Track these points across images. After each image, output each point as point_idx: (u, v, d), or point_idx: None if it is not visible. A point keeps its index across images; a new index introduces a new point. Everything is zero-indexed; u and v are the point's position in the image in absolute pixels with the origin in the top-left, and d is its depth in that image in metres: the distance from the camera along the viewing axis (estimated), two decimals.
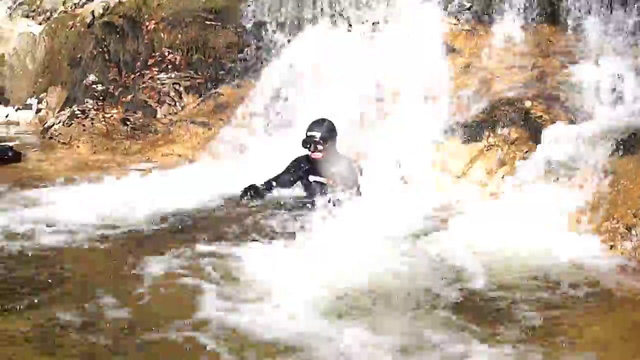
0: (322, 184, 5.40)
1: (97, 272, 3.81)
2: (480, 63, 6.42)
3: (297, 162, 5.65)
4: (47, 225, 4.59)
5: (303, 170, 5.59)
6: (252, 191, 5.46)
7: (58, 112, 9.91)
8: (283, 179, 5.64)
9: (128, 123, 8.59)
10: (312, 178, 5.51)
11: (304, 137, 5.45)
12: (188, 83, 8.92)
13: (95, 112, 8.80)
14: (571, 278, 3.71)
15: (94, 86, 9.30)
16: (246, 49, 8.82)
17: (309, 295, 3.29)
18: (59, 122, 8.96)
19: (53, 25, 11.55)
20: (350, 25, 7.30)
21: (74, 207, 4.99)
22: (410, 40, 6.49)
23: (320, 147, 5.39)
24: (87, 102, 9.02)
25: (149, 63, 9.38)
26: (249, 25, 9.06)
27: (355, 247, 3.88)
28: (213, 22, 9.37)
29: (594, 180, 4.52)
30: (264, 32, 8.65)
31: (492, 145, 5.46)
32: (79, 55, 10.38)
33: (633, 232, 4.14)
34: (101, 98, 9.05)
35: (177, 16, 9.63)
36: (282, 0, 8.34)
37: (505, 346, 2.86)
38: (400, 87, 6.23)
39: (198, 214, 5.10)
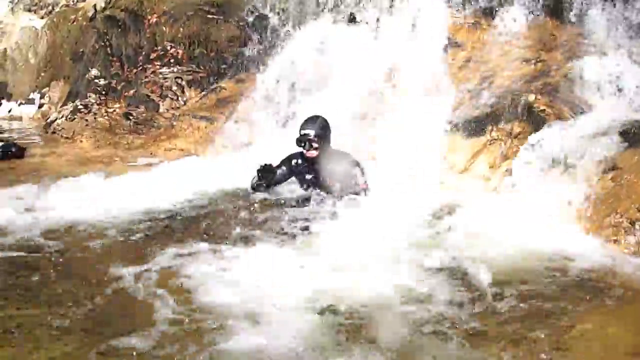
0: (320, 183, 5.32)
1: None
2: (483, 57, 6.40)
3: (290, 159, 5.53)
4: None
5: (299, 168, 5.49)
6: (262, 172, 5.37)
7: (61, 106, 9.92)
8: (280, 174, 5.52)
9: (131, 117, 8.59)
10: (309, 177, 5.42)
11: (298, 135, 5.36)
12: (190, 77, 8.92)
13: (97, 107, 8.80)
14: (574, 273, 3.71)
15: (96, 80, 9.30)
16: (248, 43, 8.82)
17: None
18: (62, 116, 8.96)
19: (55, 19, 11.54)
20: (354, 18, 7.26)
21: (75, 202, 5.01)
22: (413, 34, 6.48)
23: (315, 144, 5.30)
24: (89, 97, 9.02)
25: (151, 57, 9.37)
26: (250, 19, 9.05)
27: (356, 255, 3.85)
28: (215, 16, 9.35)
29: (597, 175, 4.51)
30: (266, 26, 8.63)
31: (495, 139, 5.45)
32: (81, 50, 10.37)
33: (637, 226, 4.14)
34: (104, 92, 9.06)
35: (179, 10, 9.62)
36: None
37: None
38: (403, 81, 6.22)
39: (195, 210, 5.10)
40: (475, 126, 5.58)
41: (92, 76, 9.41)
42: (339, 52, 6.86)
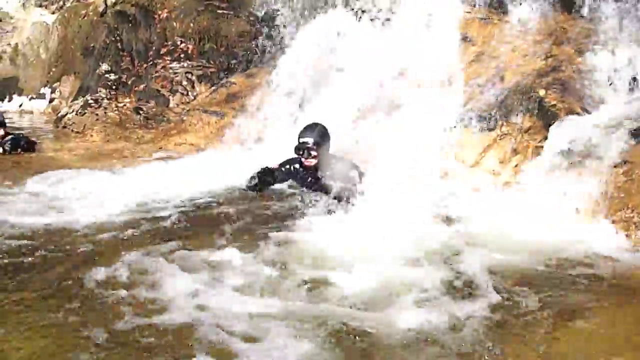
0: (317, 188, 5.23)
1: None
2: (494, 51, 6.38)
3: (289, 163, 5.47)
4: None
5: (298, 174, 5.43)
6: (262, 175, 5.33)
7: (71, 101, 9.98)
8: (278, 176, 5.46)
9: (141, 112, 8.63)
10: (307, 182, 5.36)
11: (297, 143, 5.31)
12: (200, 72, 8.94)
13: (108, 102, 8.85)
14: (586, 267, 3.69)
15: (106, 75, 9.34)
16: (258, 38, 8.82)
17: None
18: (73, 111, 9.01)
19: (66, 15, 11.60)
20: (363, 12, 7.25)
21: (85, 195, 5.04)
22: (423, 29, 6.45)
23: (313, 152, 5.25)
24: (100, 92, 9.07)
25: (161, 52, 9.41)
26: (260, 14, 9.06)
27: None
28: (225, 11, 9.38)
29: (608, 169, 4.49)
30: (275, 21, 8.63)
31: (505, 134, 5.43)
32: (91, 45, 10.43)
33: None
34: (114, 87, 9.10)
35: (189, 5, 9.65)
36: None
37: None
38: (413, 75, 6.20)
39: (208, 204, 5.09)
40: (486, 121, 5.56)
41: (103, 71, 9.46)
42: (349, 46, 6.85)
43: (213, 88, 8.59)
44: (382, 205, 4.39)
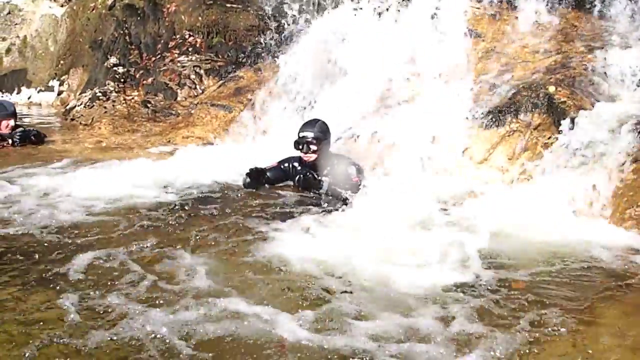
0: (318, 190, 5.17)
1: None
2: (503, 48, 6.35)
3: (287, 162, 5.44)
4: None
5: (296, 171, 5.36)
6: (255, 174, 5.26)
7: (79, 94, 10.02)
8: (275, 174, 5.42)
9: (149, 105, 8.65)
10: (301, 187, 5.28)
11: (297, 138, 5.28)
12: (208, 66, 8.95)
13: (116, 95, 8.87)
14: (595, 264, 3.68)
15: (115, 68, 9.37)
16: (267, 32, 8.82)
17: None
18: (81, 104, 9.04)
19: (75, 7, 11.63)
20: (374, 7, 7.23)
21: (91, 187, 5.04)
22: (433, 24, 6.44)
23: (313, 147, 5.21)
24: (108, 84, 9.09)
25: (169, 45, 9.43)
26: (269, 8, 9.05)
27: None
28: (233, 5, 9.38)
29: (618, 167, 4.47)
30: (284, 15, 8.63)
31: (514, 130, 5.41)
32: (100, 38, 10.45)
33: None
34: (122, 80, 9.13)
35: None
36: None
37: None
38: (423, 71, 6.19)
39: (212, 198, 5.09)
40: (495, 117, 5.53)
41: (111, 64, 9.49)
42: (358, 41, 6.83)
43: (221, 82, 8.60)
44: (383, 203, 4.36)
